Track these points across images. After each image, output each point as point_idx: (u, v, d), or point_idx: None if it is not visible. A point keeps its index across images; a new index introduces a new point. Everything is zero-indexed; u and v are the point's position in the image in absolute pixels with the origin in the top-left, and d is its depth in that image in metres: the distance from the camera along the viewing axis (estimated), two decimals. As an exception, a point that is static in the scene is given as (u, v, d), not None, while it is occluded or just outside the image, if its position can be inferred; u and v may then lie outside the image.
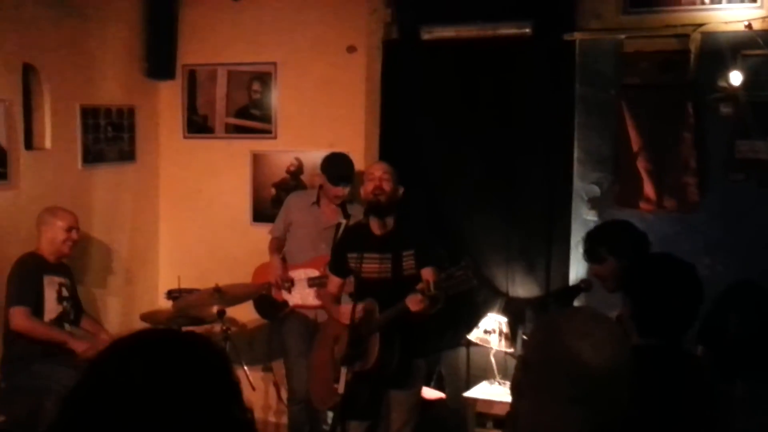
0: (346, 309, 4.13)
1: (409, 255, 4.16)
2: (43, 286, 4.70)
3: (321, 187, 5.14)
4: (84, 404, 1.25)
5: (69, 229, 4.82)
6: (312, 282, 5.05)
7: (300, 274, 5.10)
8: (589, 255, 3.79)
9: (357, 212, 4.87)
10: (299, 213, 5.18)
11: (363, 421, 4.24)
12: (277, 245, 5.24)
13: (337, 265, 4.39)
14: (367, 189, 4.19)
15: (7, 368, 4.63)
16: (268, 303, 5.22)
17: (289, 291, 5.13)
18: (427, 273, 4.07)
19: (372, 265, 4.17)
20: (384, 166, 4.31)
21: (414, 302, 3.86)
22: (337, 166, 5.03)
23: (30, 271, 4.68)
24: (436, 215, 5.43)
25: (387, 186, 4.16)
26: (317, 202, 5.15)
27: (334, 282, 4.41)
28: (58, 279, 4.80)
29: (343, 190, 4.98)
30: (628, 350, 1.71)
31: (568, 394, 1.65)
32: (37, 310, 4.65)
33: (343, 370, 3.93)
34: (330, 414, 4.34)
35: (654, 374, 2.30)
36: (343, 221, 4.90)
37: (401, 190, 4.26)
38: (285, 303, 5.15)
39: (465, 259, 3.99)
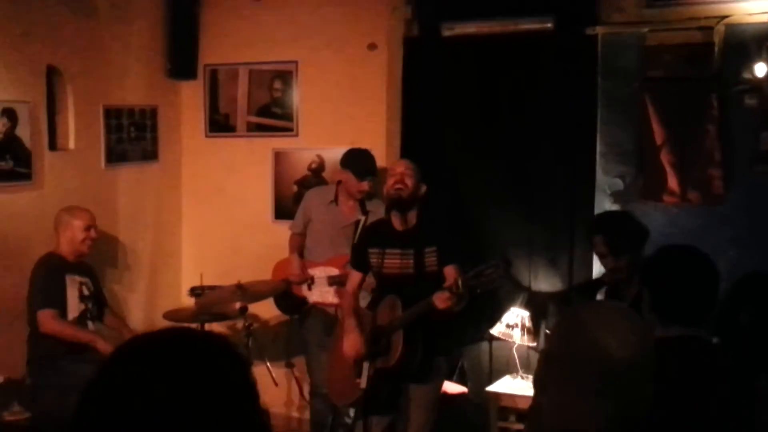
0: (355, 340, 4.16)
1: (431, 251, 4.14)
2: (65, 285, 4.73)
3: (339, 183, 5.13)
4: (99, 401, 1.25)
5: (87, 228, 4.83)
6: (332, 280, 5.06)
7: (320, 272, 5.11)
8: (612, 249, 3.77)
9: (376, 208, 4.88)
10: (318, 210, 5.18)
11: (384, 416, 4.24)
12: (298, 242, 5.25)
13: (358, 259, 4.38)
14: (389, 184, 4.19)
15: (34, 366, 4.66)
16: (288, 298, 5.24)
17: (310, 288, 5.14)
18: (450, 271, 4.06)
19: (394, 261, 4.16)
20: (406, 162, 4.31)
21: (441, 300, 3.84)
22: (362, 160, 5.02)
23: (53, 272, 4.70)
24: (459, 211, 5.42)
25: (409, 181, 4.15)
26: (335, 200, 5.14)
27: (355, 277, 4.40)
28: (79, 278, 4.82)
29: (368, 185, 4.96)
30: (652, 342, 1.70)
31: (593, 387, 1.64)
32: (61, 310, 4.68)
33: (366, 365, 3.93)
34: (351, 410, 4.34)
35: (678, 365, 2.28)
36: (362, 218, 4.91)
37: (424, 188, 4.24)
38: (305, 299, 5.17)
39: (496, 259, 3.96)
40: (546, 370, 1.76)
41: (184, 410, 1.21)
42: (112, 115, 5.66)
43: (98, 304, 4.96)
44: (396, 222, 4.21)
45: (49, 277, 4.69)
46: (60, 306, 4.67)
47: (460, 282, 3.82)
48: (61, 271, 4.73)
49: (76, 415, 1.25)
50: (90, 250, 4.93)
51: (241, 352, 1.35)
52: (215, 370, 1.27)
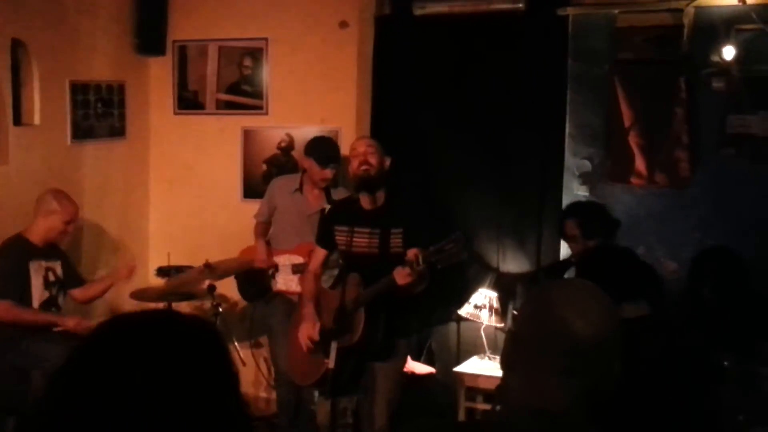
0: (308, 329, 4.16)
1: (397, 233, 4.10)
2: (29, 273, 4.58)
3: (304, 172, 5.10)
4: (75, 385, 1.19)
5: (68, 222, 4.69)
6: (296, 268, 5.02)
7: (284, 260, 5.08)
8: (584, 231, 3.85)
9: (341, 196, 4.87)
10: (282, 199, 5.14)
11: (349, 395, 4.23)
12: (263, 229, 5.21)
13: (324, 237, 4.35)
14: (353, 166, 4.15)
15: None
16: (252, 285, 5.20)
17: (274, 276, 5.12)
18: (412, 251, 4.03)
19: (362, 240, 4.14)
20: (367, 140, 4.28)
21: (401, 276, 3.81)
22: (325, 148, 4.99)
23: (14, 260, 4.54)
24: (428, 191, 5.42)
25: (373, 159, 4.11)
26: (300, 189, 5.10)
27: (318, 255, 4.37)
28: (45, 263, 4.69)
29: (331, 173, 4.94)
30: (619, 320, 1.70)
31: (560, 365, 1.63)
32: (26, 298, 4.56)
33: (333, 345, 3.92)
34: (316, 393, 4.33)
35: (642, 345, 2.30)
36: (327, 207, 4.89)
37: (388, 161, 4.20)
38: (269, 286, 5.14)
39: (455, 233, 3.93)
40: (513, 349, 1.76)
41: (164, 395, 1.17)
42: (79, 90, 5.57)
43: (65, 288, 4.85)
44: (365, 201, 4.19)
45: (9, 264, 4.53)
46: (18, 295, 4.51)
47: (420, 258, 3.79)
48: (24, 258, 4.58)
49: (47, 398, 1.21)
50: (63, 243, 4.79)
51: (223, 338, 1.31)
52: (197, 355, 1.24)
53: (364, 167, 4.09)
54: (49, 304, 4.71)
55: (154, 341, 1.23)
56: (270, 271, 5.11)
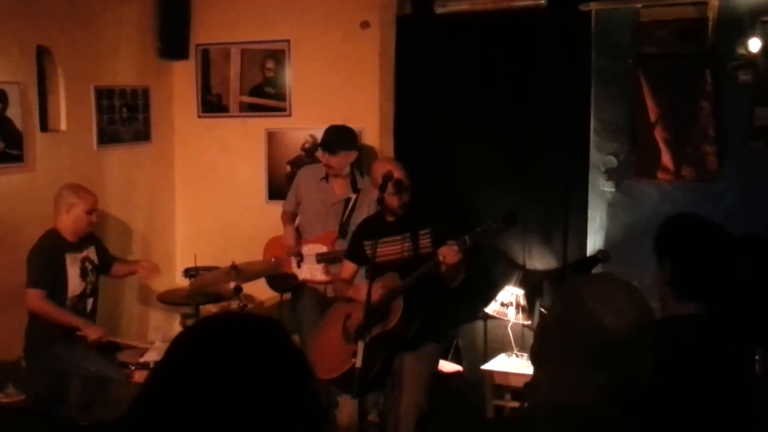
0: (362, 285, 4.12)
1: (425, 233, 4.14)
2: (65, 265, 4.65)
3: None
4: (172, 385, 1.28)
5: (89, 212, 4.73)
6: (320, 258, 5.07)
7: (309, 250, 5.13)
8: None
9: (367, 185, 4.87)
10: (309, 188, 5.19)
11: (376, 393, 4.22)
12: (290, 218, 5.28)
13: (353, 252, 4.40)
14: (395, 202, 4.15)
15: (29, 349, 4.63)
16: (281, 276, 5.25)
17: (299, 265, 5.15)
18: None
19: (393, 248, 4.17)
20: (406, 182, 4.18)
21: (450, 253, 3.82)
22: (325, 135, 5.11)
23: (49, 252, 4.61)
24: (452, 189, 5.41)
25: (409, 195, 4.16)
26: (326, 178, 5.14)
27: (348, 268, 4.42)
28: (80, 255, 4.75)
29: (327, 158, 4.99)
30: (650, 315, 1.68)
31: (590, 360, 1.62)
32: (62, 289, 4.62)
33: (360, 345, 3.91)
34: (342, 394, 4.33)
35: (688, 343, 2.27)
36: (353, 196, 4.90)
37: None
38: (295, 275, 5.18)
39: (507, 215, 3.90)
40: (543, 344, 1.75)
41: (258, 392, 1.25)
42: (104, 95, 5.63)
43: (101, 272, 4.93)
44: (389, 217, 4.24)
45: (44, 256, 4.60)
46: (51, 287, 4.58)
47: (467, 237, 3.81)
48: (59, 251, 4.65)
49: (145, 396, 1.29)
50: (90, 231, 4.86)
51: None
52: (286, 354, 1.33)
53: (403, 208, 4.15)
54: (83, 296, 4.76)
55: (242, 343, 1.31)
56: (296, 261, 5.14)
